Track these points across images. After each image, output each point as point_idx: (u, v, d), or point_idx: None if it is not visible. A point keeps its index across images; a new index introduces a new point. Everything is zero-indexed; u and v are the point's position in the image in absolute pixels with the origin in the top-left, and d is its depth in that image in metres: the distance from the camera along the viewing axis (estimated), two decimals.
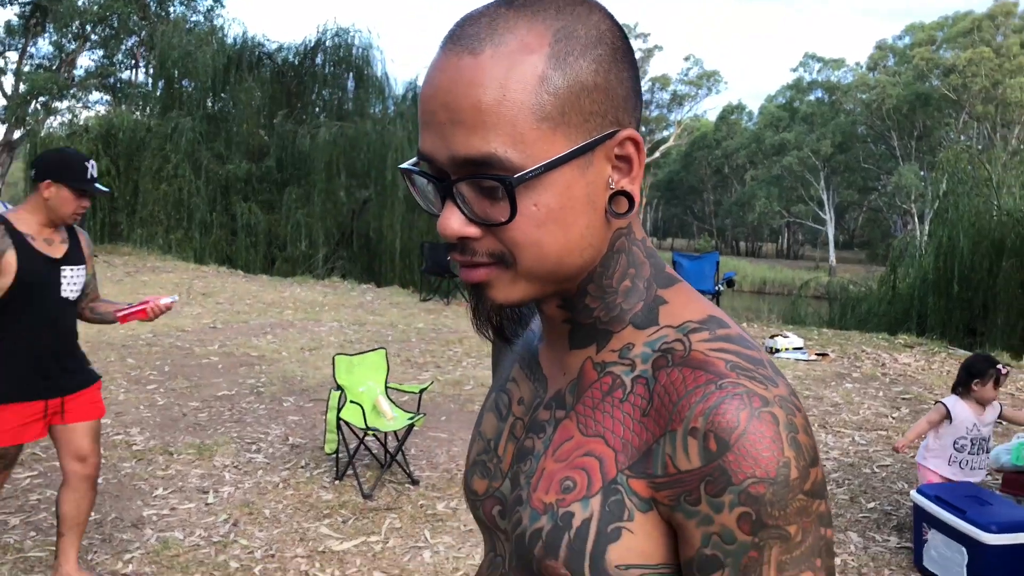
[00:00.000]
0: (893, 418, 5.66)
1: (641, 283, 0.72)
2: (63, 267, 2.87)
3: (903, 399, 6.23)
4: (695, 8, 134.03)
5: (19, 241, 2.74)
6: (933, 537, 3.24)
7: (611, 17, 0.68)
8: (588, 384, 0.72)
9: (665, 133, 56.10)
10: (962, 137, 37.09)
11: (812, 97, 48.58)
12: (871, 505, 4.11)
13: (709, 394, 0.63)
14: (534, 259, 0.66)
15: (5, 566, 3.33)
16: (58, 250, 2.88)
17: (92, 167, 2.85)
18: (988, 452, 3.66)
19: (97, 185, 2.85)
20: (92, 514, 3.87)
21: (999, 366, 3.61)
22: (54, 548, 3.50)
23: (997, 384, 3.59)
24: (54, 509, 3.10)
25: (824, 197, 44.81)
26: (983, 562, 2.99)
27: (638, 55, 47.62)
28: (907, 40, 45.09)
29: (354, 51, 18.54)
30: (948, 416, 3.62)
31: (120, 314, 3.10)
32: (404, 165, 0.69)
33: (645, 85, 54.24)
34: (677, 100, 55.19)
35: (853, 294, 13.16)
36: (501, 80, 0.62)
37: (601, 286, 0.71)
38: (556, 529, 0.68)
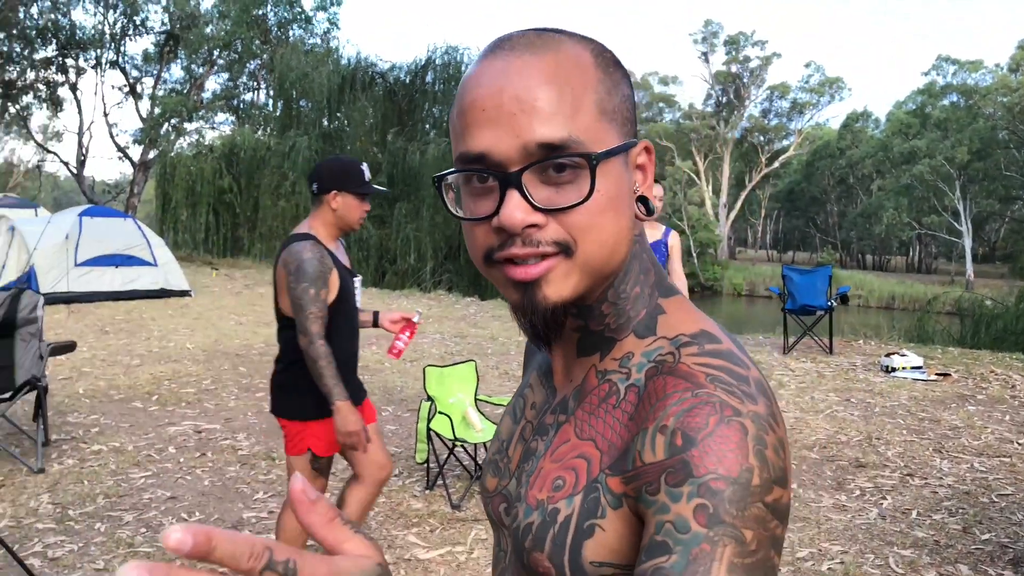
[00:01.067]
0: (1020, 444, 5.25)
1: (647, 290, 0.76)
2: (354, 277, 3.02)
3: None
4: (815, 13, 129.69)
5: (331, 256, 2.83)
6: None
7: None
8: (589, 390, 0.75)
9: (785, 143, 54.44)
10: None
11: (946, 102, 46.01)
12: (986, 536, 3.81)
13: (684, 399, 0.65)
14: (595, 244, 0.68)
15: (117, 559, 3.52)
16: (347, 260, 3.04)
17: (366, 169, 2.91)
18: None
19: (375, 186, 2.92)
20: (197, 514, 4.06)
21: None
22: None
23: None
24: (336, 498, 3.15)
25: (960, 207, 42.29)
26: None
27: (755, 63, 46.00)
28: None
29: (463, 68, 18.92)
30: None
31: (396, 351, 3.26)
32: (441, 174, 0.72)
33: (763, 94, 52.92)
34: (797, 108, 53.50)
35: (988, 311, 12.31)
36: (568, 76, 0.67)
37: (618, 291, 0.74)
38: (544, 524, 0.71)
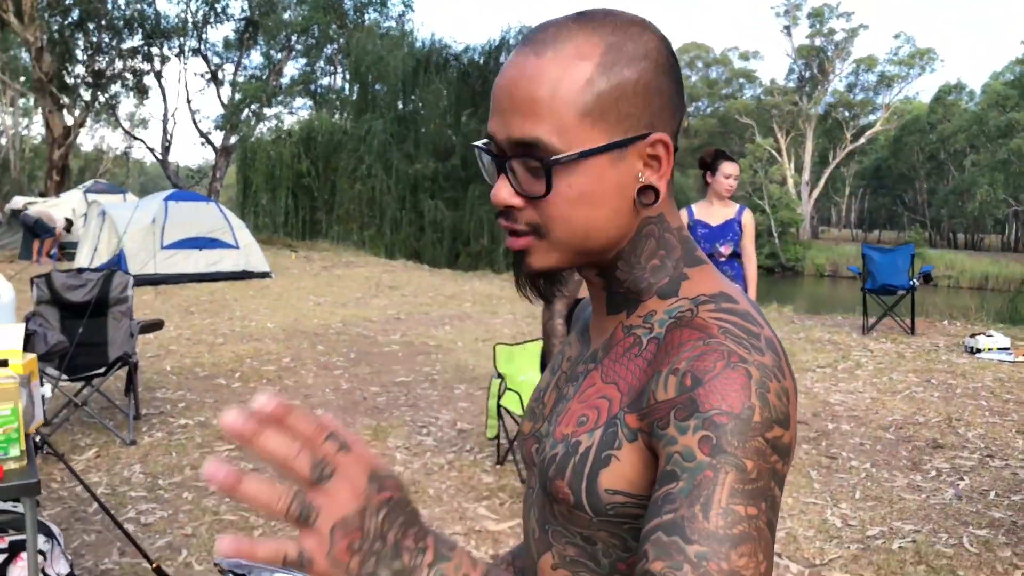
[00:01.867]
0: None
1: (670, 263, 0.81)
2: None
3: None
4: None
5: None
6: None
7: (661, 37, 0.78)
8: (616, 343, 0.82)
9: (871, 118, 52.55)
10: None
11: None
12: None
13: (696, 347, 0.72)
14: (563, 232, 0.76)
15: (203, 526, 3.72)
16: None
17: None
18: None
19: None
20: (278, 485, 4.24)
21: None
22: (250, 515, 3.87)
23: None
24: None
25: None
26: None
27: (840, 36, 44.41)
28: None
29: None
30: None
31: None
32: (476, 143, 0.82)
33: (848, 67, 51.14)
34: (885, 82, 51.50)
35: None
36: (555, 80, 0.73)
37: (629, 262, 0.81)
38: (566, 455, 0.79)
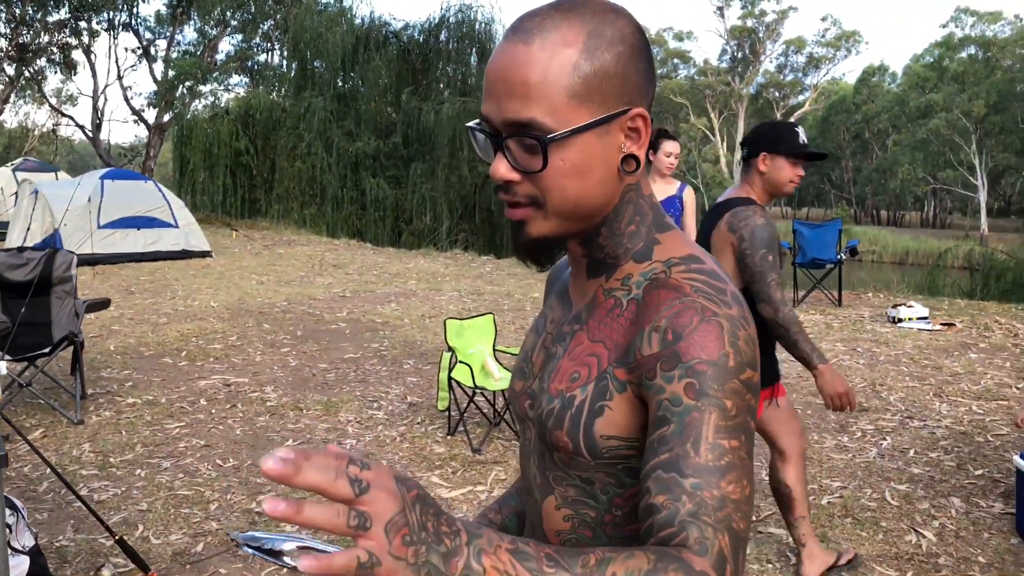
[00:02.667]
0: (1018, 388, 5.41)
1: (644, 228, 0.91)
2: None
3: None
4: None
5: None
6: None
7: (634, 21, 0.86)
8: (597, 305, 0.92)
9: (800, 98, 53.79)
10: None
11: (964, 55, 45.24)
12: (979, 472, 4.01)
13: (673, 305, 0.82)
14: (559, 200, 0.85)
15: (159, 501, 3.77)
16: None
17: (803, 133, 2.80)
18: None
19: (812, 150, 2.77)
20: (230, 460, 4.30)
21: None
22: (205, 489, 3.92)
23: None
24: (772, 496, 3.07)
25: (976, 161, 41.87)
26: None
27: (771, 17, 45.19)
28: None
29: (477, 27, 18.85)
30: None
31: None
32: (469, 124, 0.90)
33: (779, 48, 52.20)
34: (813, 63, 52.78)
35: (997, 263, 12.36)
36: (544, 65, 0.81)
37: (612, 229, 0.90)
38: (563, 408, 0.89)
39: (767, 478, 3.09)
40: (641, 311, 0.85)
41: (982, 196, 41.90)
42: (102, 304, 5.49)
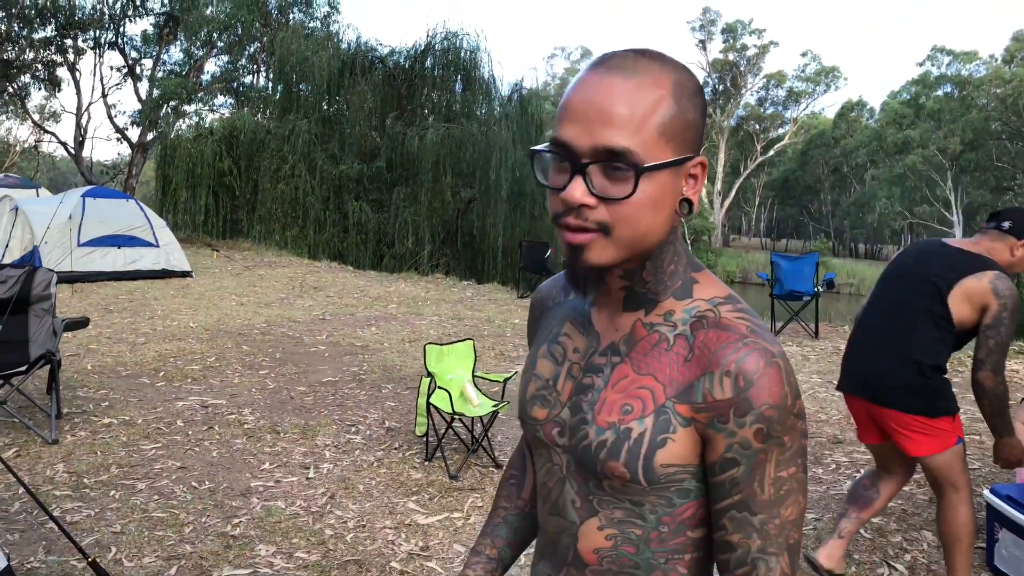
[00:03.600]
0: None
1: (681, 268, 0.98)
2: None
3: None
4: (813, 2, 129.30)
5: None
6: (1004, 536, 3.22)
7: (698, 79, 0.94)
8: (639, 338, 0.97)
9: (780, 131, 54.51)
10: None
11: (940, 92, 46.13)
12: None
13: (738, 348, 0.90)
14: (630, 231, 0.90)
15: (133, 523, 3.74)
16: None
17: None
18: None
19: None
20: (206, 483, 4.28)
21: None
22: (180, 511, 3.90)
23: None
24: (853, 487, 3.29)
25: (951, 197, 42.57)
26: None
27: (752, 52, 45.94)
28: None
29: (462, 54, 18.96)
30: None
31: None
32: (536, 147, 0.94)
33: (759, 82, 52.96)
34: (793, 97, 53.56)
35: None
36: (642, 102, 0.87)
37: (656, 265, 0.96)
38: (618, 440, 0.94)
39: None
40: (700, 349, 0.92)
41: (958, 232, 42.55)
42: (80, 323, 5.46)
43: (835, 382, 6.70)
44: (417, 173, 17.20)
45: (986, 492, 3.38)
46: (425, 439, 4.77)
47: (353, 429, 5.25)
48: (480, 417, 4.73)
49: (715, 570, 0.98)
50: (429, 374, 4.72)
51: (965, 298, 2.79)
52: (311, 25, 23.79)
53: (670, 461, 0.92)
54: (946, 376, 2.89)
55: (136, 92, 25.48)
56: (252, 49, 25.24)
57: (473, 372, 4.98)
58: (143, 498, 4.03)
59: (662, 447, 0.92)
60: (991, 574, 3.34)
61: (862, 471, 4.60)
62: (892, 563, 3.45)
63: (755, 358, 0.88)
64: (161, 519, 3.80)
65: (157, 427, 5.15)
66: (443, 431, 4.70)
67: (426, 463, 4.64)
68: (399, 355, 7.49)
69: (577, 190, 0.88)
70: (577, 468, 1.00)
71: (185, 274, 12.21)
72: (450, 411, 4.53)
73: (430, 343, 4.87)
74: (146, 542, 3.55)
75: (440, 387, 4.65)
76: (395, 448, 4.90)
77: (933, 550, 3.59)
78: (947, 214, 43.34)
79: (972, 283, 2.79)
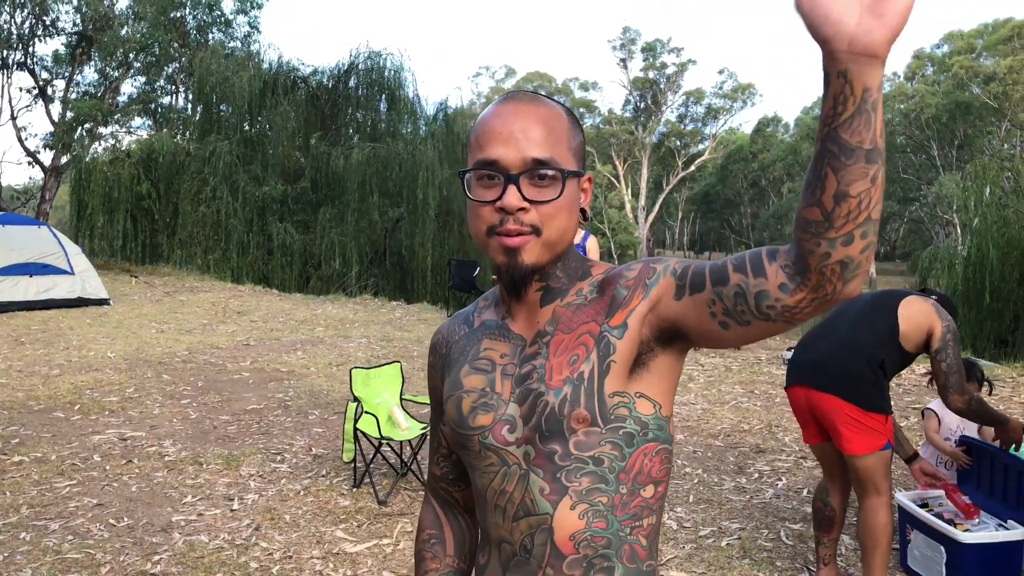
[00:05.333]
0: (907, 430, 5.72)
1: (579, 263, 1.15)
2: None
3: (913, 409, 6.27)
4: (728, 22, 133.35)
5: None
6: (915, 537, 3.35)
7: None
8: (560, 316, 1.11)
9: (700, 147, 55.82)
10: (1005, 145, 36.44)
11: None
12: None
13: (629, 264, 1.11)
14: (554, 230, 1.06)
15: (44, 566, 3.59)
16: None
17: None
18: None
19: None
20: (125, 519, 4.14)
21: (981, 370, 3.76)
22: (96, 551, 3.76)
23: (979, 388, 3.71)
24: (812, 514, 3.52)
25: None
26: (960, 560, 3.09)
27: (671, 70, 46.63)
28: (945, 49, 44.45)
29: (386, 73, 18.92)
30: (938, 420, 3.81)
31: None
32: (462, 170, 1.08)
33: (679, 99, 54.17)
34: (712, 114, 54.87)
35: None
36: (553, 123, 1.07)
37: (564, 263, 1.12)
38: (575, 387, 1.05)
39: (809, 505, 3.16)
40: (607, 283, 1.10)
41: None
42: None
43: (756, 392, 6.90)
44: (343, 193, 17.04)
45: (897, 495, 3.52)
46: (353, 465, 4.72)
47: (279, 457, 5.16)
48: (409, 440, 4.70)
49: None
50: (355, 399, 4.67)
51: (911, 313, 3.04)
52: (231, 45, 23.39)
53: (613, 388, 1.04)
54: (886, 381, 3.05)
55: (48, 114, 24.55)
56: (170, 70, 24.64)
57: (401, 395, 4.95)
58: (56, 539, 3.88)
59: (607, 375, 1.04)
60: (904, 573, 3.47)
61: (782, 480, 4.74)
62: (812, 568, 3.55)
63: (636, 264, 1.09)
64: (75, 560, 3.66)
65: (72, 463, 4.97)
66: (371, 456, 4.65)
67: (354, 489, 4.58)
68: (326, 379, 7.39)
69: (513, 196, 1.02)
70: (538, 452, 1.06)
71: (102, 302, 11.82)
72: (377, 436, 4.49)
73: (356, 367, 4.82)
74: None
75: (367, 412, 4.61)
76: (322, 475, 4.83)
77: (851, 553, 3.71)
78: None
79: (917, 301, 3.08)
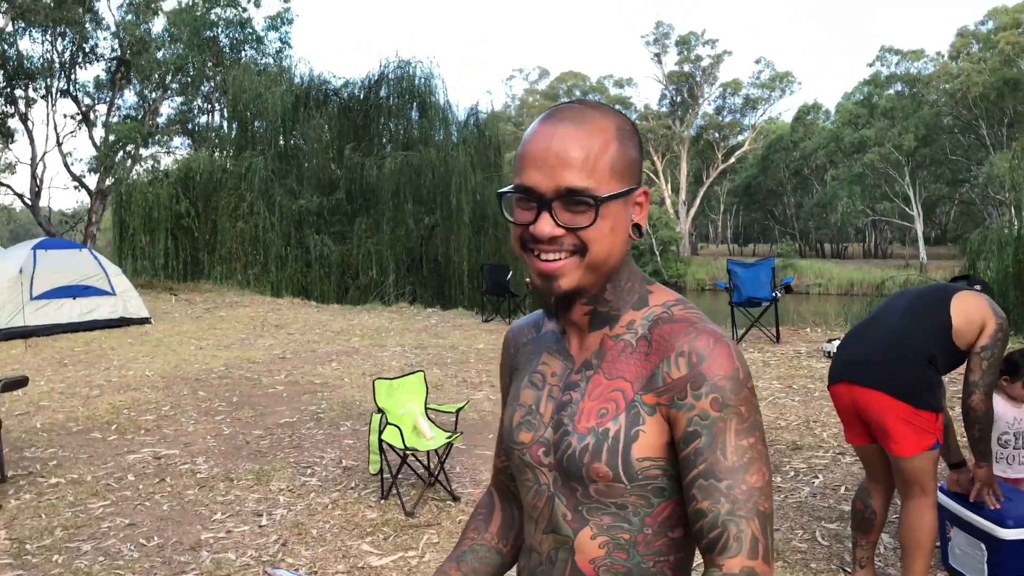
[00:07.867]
0: (952, 428, 5.51)
1: (637, 284, 1.11)
2: None
3: (959, 399, 6.02)
4: (763, 10, 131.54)
5: None
6: (956, 535, 3.20)
7: (634, 122, 1.10)
8: (607, 350, 1.09)
9: (740, 138, 55.14)
10: None
11: (892, 91, 46.93)
12: None
13: (689, 332, 1.02)
14: (599, 251, 1.03)
15: None
16: None
17: None
18: None
19: None
20: (155, 539, 4.16)
21: None
22: (125, 571, 3.78)
23: None
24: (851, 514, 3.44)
25: (910, 192, 43.24)
26: (1001, 557, 2.94)
27: (706, 62, 46.64)
28: (990, 25, 43.24)
29: (416, 82, 19.02)
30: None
31: None
32: (501, 190, 1.09)
33: (716, 91, 53.65)
34: (750, 104, 54.25)
35: None
36: (593, 146, 1.02)
37: (615, 285, 1.09)
38: (598, 441, 1.04)
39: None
40: (657, 342, 1.04)
41: (919, 225, 43.22)
42: (19, 383, 5.31)
43: (794, 387, 6.72)
44: (378, 202, 17.15)
45: (939, 493, 3.35)
46: (380, 477, 4.68)
47: (309, 471, 5.15)
48: (436, 450, 4.65)
49: None
50: (380, 410, 4.64)
51: (964, 308, 2.88)
52: (263, 61, 23.74)
53: (644, 455, 1.01)
54: (940, 376, 2.90)
55: (91, 138, 25.20)
56: (206, 89, 25.10)
57: (425, 404, 4.91)
58: (87, 560, 3.91)
59: (635, 440, 1.01)
60: (947, 573, 3.32)
61: (819, 477, 4.59)
62: (849, 569, 3.42)
63: (705, 338, 1.00)
64: None
65: (107, 483, 5.02)
66: (397, 467, 4.61)
67: (381, 501, 4.55)
68: (359, 390, 7.39)
69: (545, 224, 1.01)
70: (564, 483, 1.08)
71: (144, 321, 12.03)
72: (402, 447, 4.45)
73: (379, 378, 4.79)
74: None
75: (391, 423, 4.57)
76: (351, 488, 4.81)
77: (890, 552, 3.57)
78: (907, 209, 44.01)
79: (970, 296, 2.91)
